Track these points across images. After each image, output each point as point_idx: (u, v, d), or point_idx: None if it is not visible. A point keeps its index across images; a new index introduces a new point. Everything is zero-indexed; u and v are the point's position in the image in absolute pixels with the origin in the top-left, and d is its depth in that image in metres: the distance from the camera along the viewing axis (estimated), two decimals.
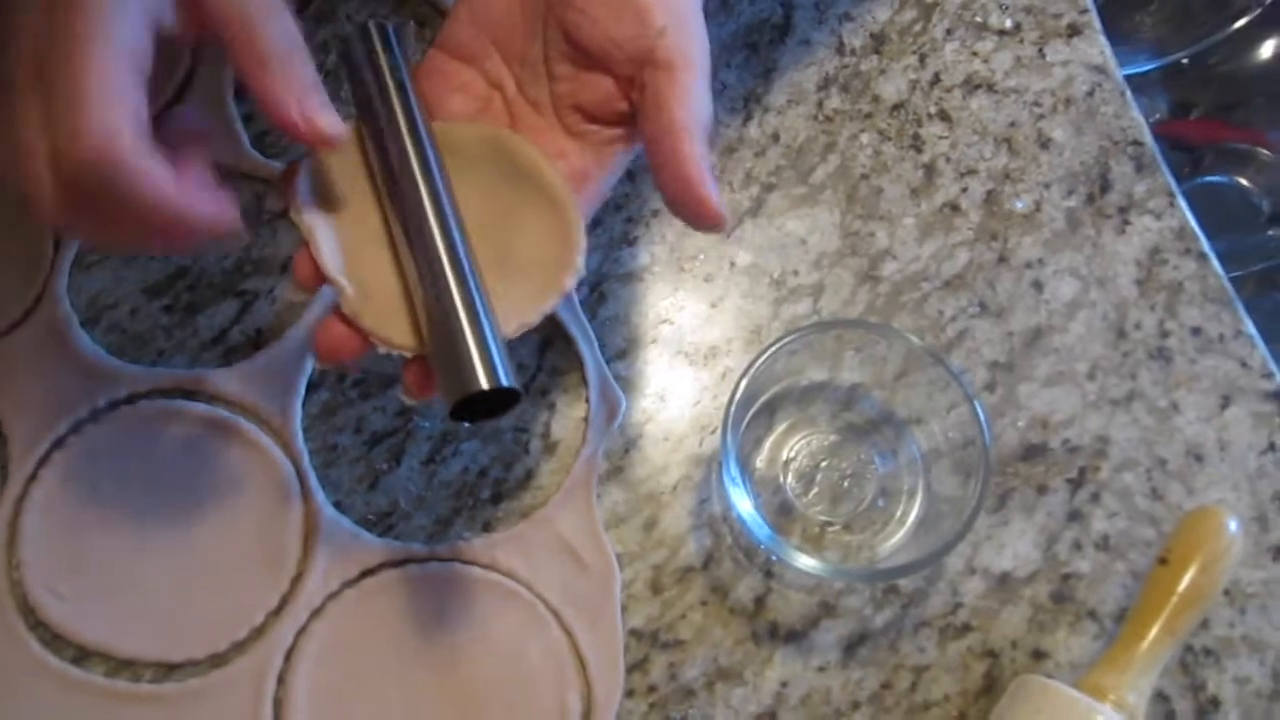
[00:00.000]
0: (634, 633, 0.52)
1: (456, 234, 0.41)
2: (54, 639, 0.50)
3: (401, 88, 0.43)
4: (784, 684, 0.52)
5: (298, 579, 0.51)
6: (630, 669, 0.51)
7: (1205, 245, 0.58)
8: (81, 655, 0.50)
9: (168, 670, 0.50)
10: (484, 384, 0.38)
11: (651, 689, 0.51)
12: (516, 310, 0.43)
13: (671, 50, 0.41)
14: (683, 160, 0.41)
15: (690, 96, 0.42)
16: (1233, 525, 0.50)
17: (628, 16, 0.42)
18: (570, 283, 0.43)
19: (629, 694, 0.51)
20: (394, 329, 0.42)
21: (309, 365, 0.54)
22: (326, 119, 0.39)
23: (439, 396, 0.40)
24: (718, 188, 0.42)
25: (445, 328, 0.40)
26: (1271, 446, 0.55)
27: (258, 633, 0.51)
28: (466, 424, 0.41)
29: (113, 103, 0.35)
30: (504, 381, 0.39)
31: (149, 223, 0.37)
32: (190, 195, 0.37)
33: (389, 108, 0.43)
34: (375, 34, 0.44)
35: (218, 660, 0.50)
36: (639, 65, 0.42)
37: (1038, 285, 0.57)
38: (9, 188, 0.37)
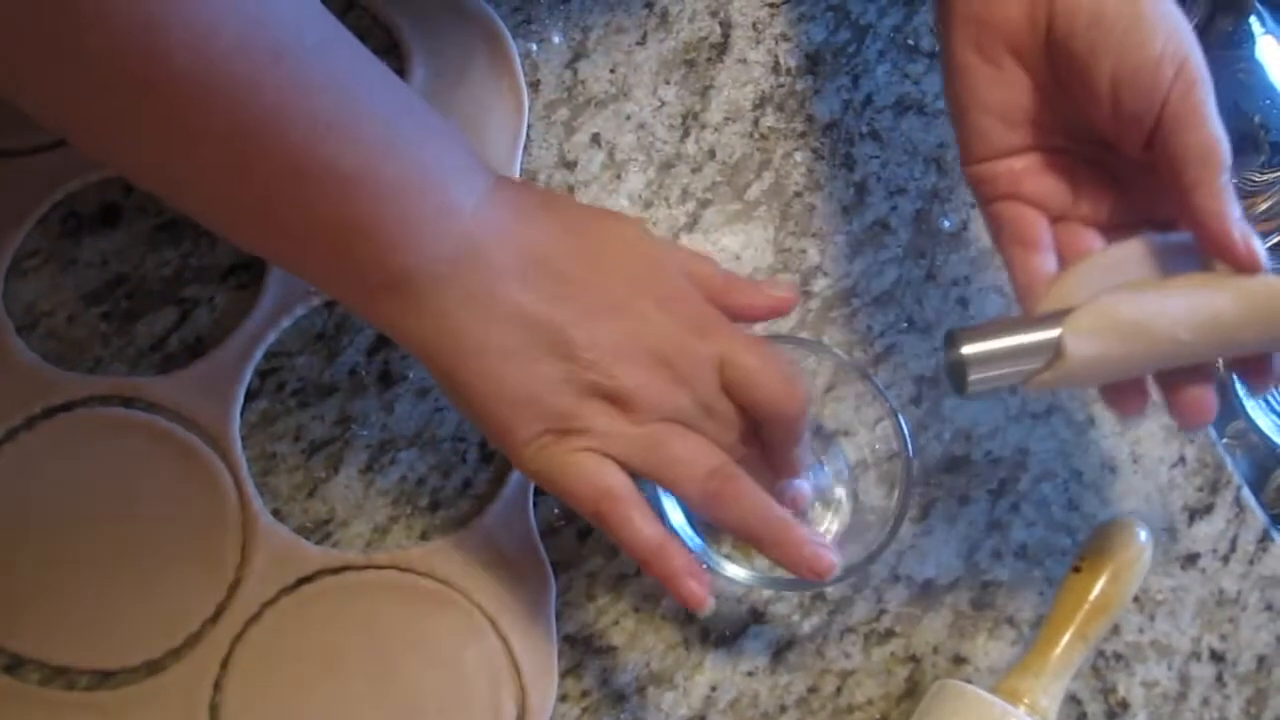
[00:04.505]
0: (568, 639, 0.53)
1: None
2: None
3: None
4: (713, 688, 0.53)
5: (235, 586, 0.52)
6: (564, 674, 0.52)
7: None
8: (15, 663, 0.50)
9: (103, 678, 0.50)
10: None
11: (585, 694, 0.52)
12: None
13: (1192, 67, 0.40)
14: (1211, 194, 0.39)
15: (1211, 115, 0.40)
16: (1143, 535, 0.52)
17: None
18: None
19: (563, 699, 0.52)
20: None
21: (248, 373, 0.54)
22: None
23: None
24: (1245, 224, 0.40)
25: None
26: (1181, 460, 0.58)
27: (194, 640, 0.51)
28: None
29: None
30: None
31: None
32: None
33: None
34: None
35: (154, 668, 0.50)
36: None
37: (963, 302, 0.59)
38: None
